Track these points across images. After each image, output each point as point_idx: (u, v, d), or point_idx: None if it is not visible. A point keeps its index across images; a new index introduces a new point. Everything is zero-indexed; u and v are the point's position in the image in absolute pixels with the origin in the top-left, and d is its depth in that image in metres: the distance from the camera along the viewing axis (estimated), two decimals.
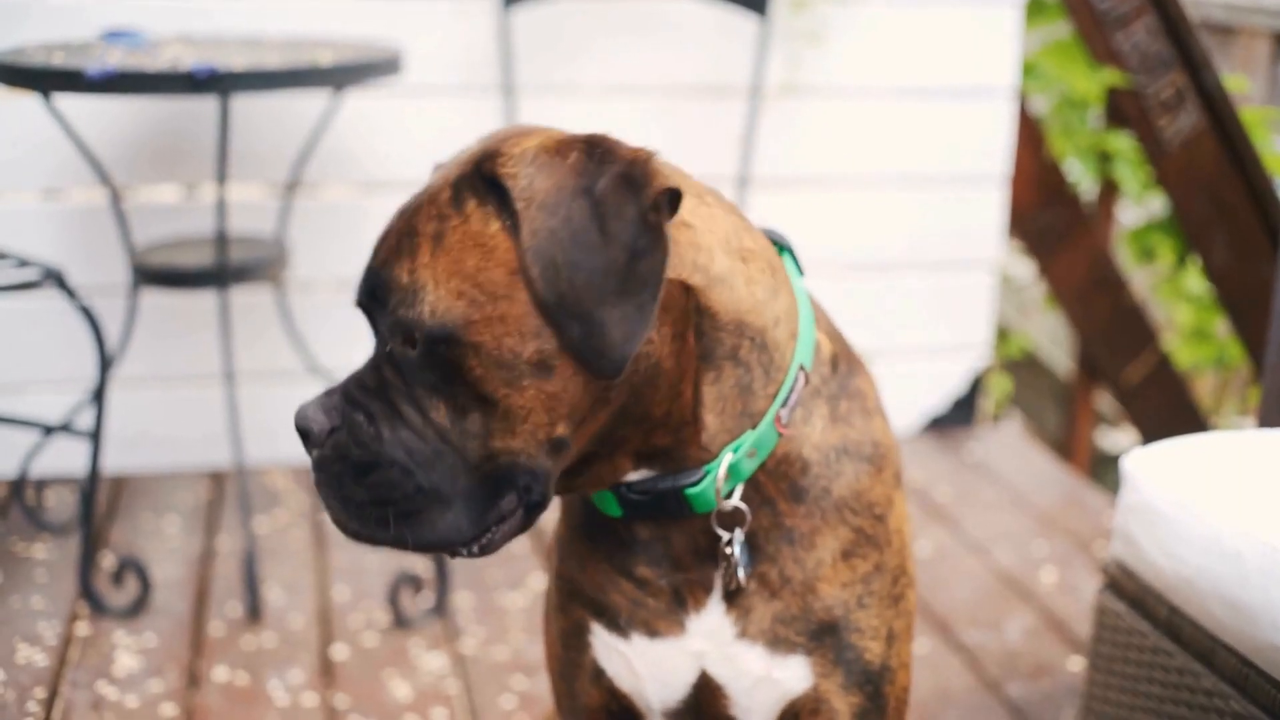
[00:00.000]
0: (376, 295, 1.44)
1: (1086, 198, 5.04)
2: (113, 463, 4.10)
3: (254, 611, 3.31)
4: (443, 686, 3.05)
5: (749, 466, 1.54)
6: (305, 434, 1.47)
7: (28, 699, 2.94)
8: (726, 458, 1.52)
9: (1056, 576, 3.67)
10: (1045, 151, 4.70)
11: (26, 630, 3.23)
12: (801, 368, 1.55)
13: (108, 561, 3.56)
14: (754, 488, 1.57)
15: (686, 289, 1.46)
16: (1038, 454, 4.60)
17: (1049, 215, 4.75)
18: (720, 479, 1.52)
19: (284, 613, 3.36)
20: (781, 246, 1.67)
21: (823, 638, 1.60)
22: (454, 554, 1.50)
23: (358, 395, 1.46)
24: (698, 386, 1.49)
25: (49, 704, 2.93)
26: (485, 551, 1.50)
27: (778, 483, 1.57)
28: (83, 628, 3.26)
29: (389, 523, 1.44)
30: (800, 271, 1.67)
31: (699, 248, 1.47)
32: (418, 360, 1.41)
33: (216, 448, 4.20)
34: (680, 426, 1.51)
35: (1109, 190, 4.90)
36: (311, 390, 4.12)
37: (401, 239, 1.44)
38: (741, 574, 1.56)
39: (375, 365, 1.47)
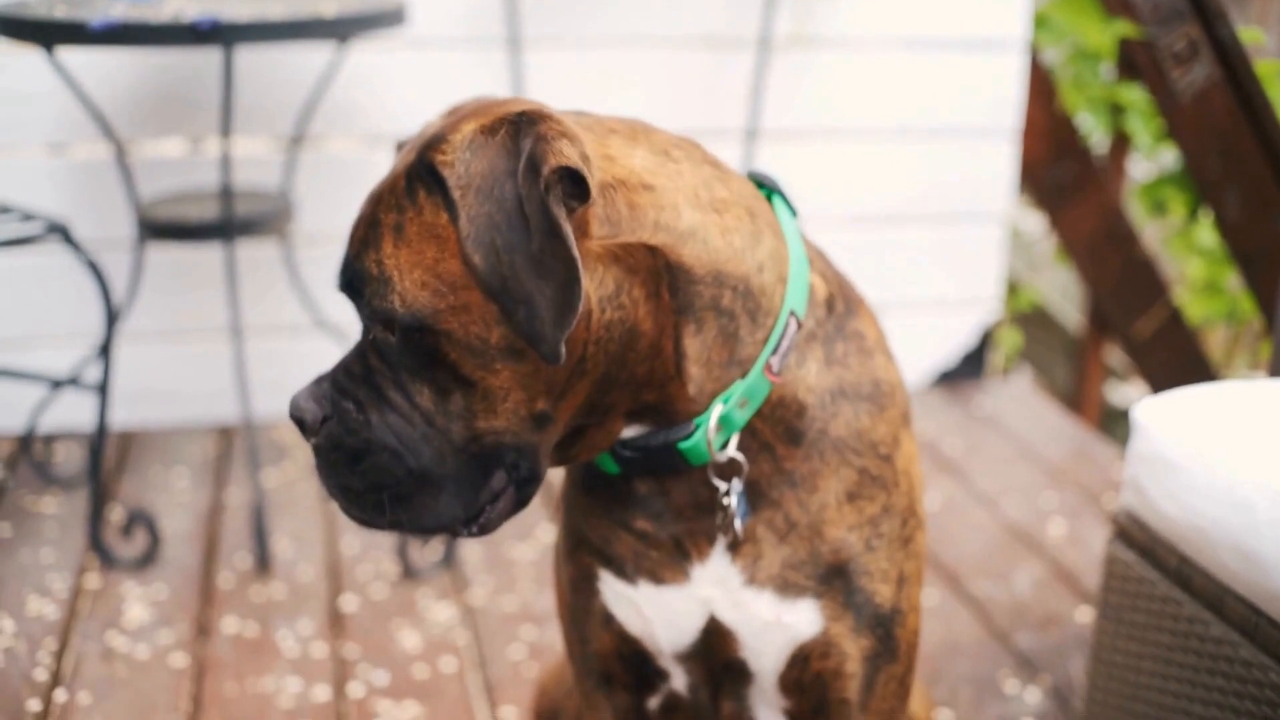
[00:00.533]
0: (353, 285, 1.44)
1: (1098, 151, 5.00)
2: (121, 418, 4.10)
3: (263, 563, 3.31)
4: (452, 637, 3.05)
5: (741, 416, 1.52)
6: (300, 423, 1.49)
7: (39, 650, 2.95)
8: (716, 409, 1.51)
9: (1065, 528, 3.67)
10: (1057, 104, 4.67)
11: (37, 583, 3.23)
12: (793, 313, 1.54)
13: (117, 515, 3.56)
14: (750, 434, 1.56)
15: (651, 250, 1.44)
16: (1047, 407, 4.59)
17: (1060, 168, 4.71)
18: (711, 430, 1.51)
19: (293, 564, 3.36)
20: (770, 190, 1.65)
21: (832, 581, 1.59)
22: (455, 534, 1.51)
23: (346, 383, 1.47)
24: (679, 340, 1.48)
25: (60, 655, 2.94)
26: (484, 531, 1.51)
27: (774, 427, 1.56)
28: (92, 580, 3.26)
29: (385, 507, 1.46)
30: (793, 213, 1.65)
31: (661, 207, 1.45)
32: (398, 346, 1.41)
33: (224, 402, 4.20)
34: (665, 382, 1.50)
35: (1120, 143, 4.86)
36: (318, 345, 4.12)
37: (369, 229, 1.43)
38: (739, 524, 1.55)
39: (361, 352, 1.48)
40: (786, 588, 1.59)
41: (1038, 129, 4.68)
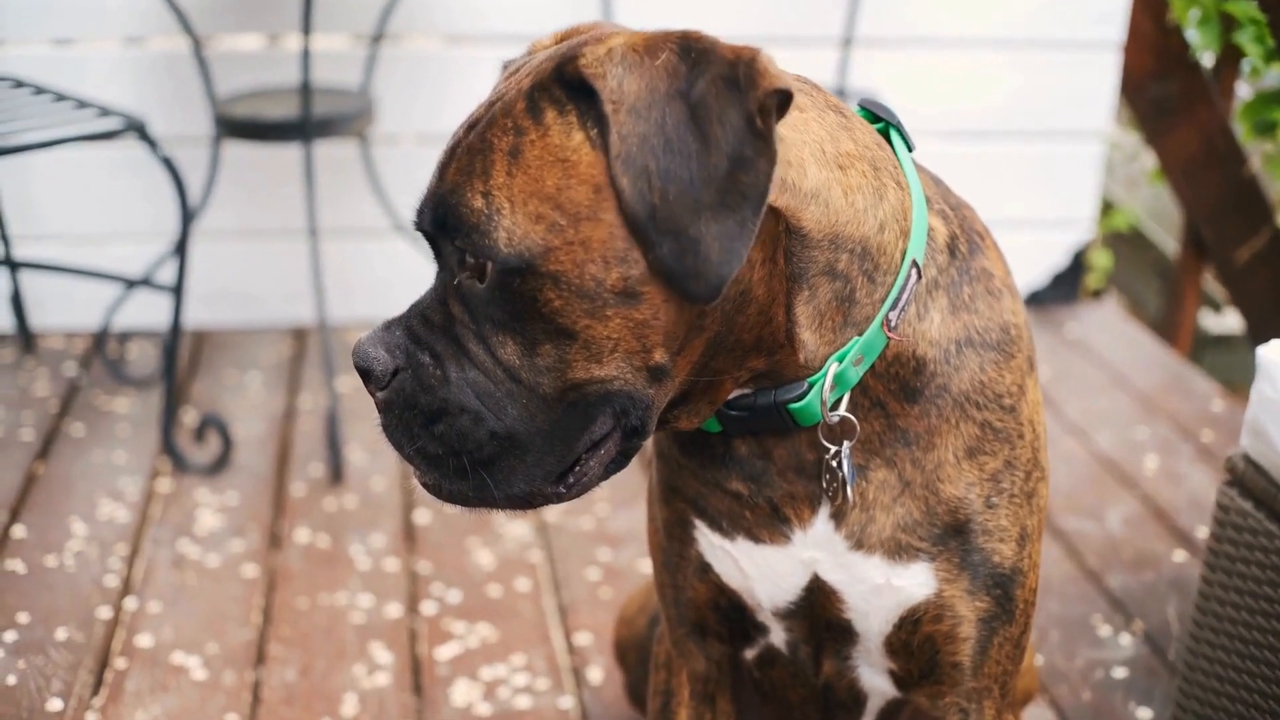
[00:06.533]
0: (445, 222, 1.29)
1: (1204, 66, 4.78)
2: (194, 317, 4.05)
3: (336, 472, 3.26)
4: (526, 555, 2.99)
5: (855, 374, 1.40)
6: (366, 373, 1.35)
7: (110, 555, 2.92)
8: (832, 368, 1.38)
9: (1159, 463, 3.54)
10: (1165, 15, 4.45)
11: (109, 485, 3.20)
12: (914, 262, 1.41)
13: (189, 417, 3.52)
14: (861, 390, 1.44)
15: (774, 212, 1.31)
16: (1139, 333, 4.44)
17: (1165, 84, 4.51)
18: (827, 391, 1.39)
19: (366, 475, 3.30)
20: (886, 124, 1.52)
21: (947, 541, 1.49)
22: (545, 500, 1.37)
23: (422, 331, 1.33)
24: (790, 308, 1.35)
25: (130, 561, 2.90)
26: (577, 490, 1.38)
27: (888, 384, 1.44)
28: (164, 484, 3.22)
29: (467, 472, 1.33)
30: (910, 147, 1.52)
31: (789, 163, 1.31)
32: (485, 294, 1.27)
33: (299, 304, 4.14)
34: (774, 349, 1.38)
35: (1230, 60, 4.64)
36: (395, 247, 4.04)
37: (474, 156, 1.28)
38: (849, 490, 1.44)
39: (441, 298, 1.34)
40: (899, 551, 1.48)
41: (1143, 41, 4.47)
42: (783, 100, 1.22)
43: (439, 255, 1.34)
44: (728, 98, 1.20)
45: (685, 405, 1.40)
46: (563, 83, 1.25)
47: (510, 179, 1.25)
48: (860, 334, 1.39)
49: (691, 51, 1.23)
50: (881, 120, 1.52)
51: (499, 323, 1.28)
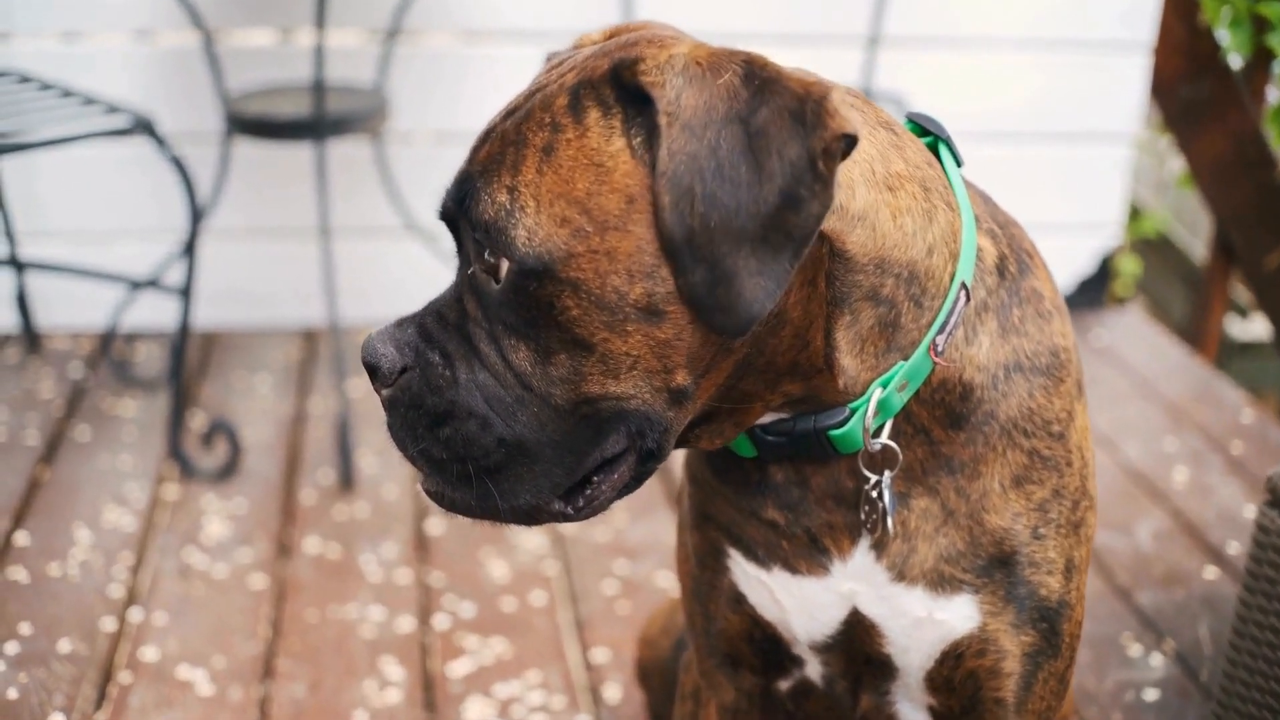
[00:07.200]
0: (466, 206, 1.23)
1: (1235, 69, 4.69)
2: (203, 318, 3.97)
3: (346, 479, 3.19)
4: (541, 567, 2.91)
5: (899, 400, 1.33)
6: (373, 370, 1.29)
7: (114, 563, 2.85)
8: (875, 394, 1.31)
9: (1188, 475, 3.45)
10: (1197, 16, 4.36)
11: (114, 491, 3.13)
12: (963, 285, 1.33)
13: (197, 421, 3.45)
14: (905, 417, 1.36)
15: (819, 235, 1.23)
16: (1166, 341, 4.35)
17: (1195, 87, 4.42)
18: (869, 418, 1.31)
19: (378, 482, 3.23)
20: (935, 137, 1.44)
21: (992, 572, 1.41)
22: (554, 518, 1.31)
23: (435, 330, 1.28)
24: (830, 333, 1.28)
25: (136, 570, 2.83)
26: (589, 510, 1.31)
27: (932, 410, 1.36)
28: (171, 490, 3.15)
29: (470, 479, 1.27)
30: (959, 162, 1.44)
31: (838, 184, 1.22)
32: (500, 294, 1.21)
33: (310, 305, 4.07)
34: (811, 374, 1.30)
35: (1262, 62, 4.55)
36: (408, 248, 3.97)
37: (507, 146, 1.23)
38: (890, 522, 1.37)
39: (457, 294, 1.28)
40: (941, 583, 1.41)
41: (1174, 42, 4.38)
42: (848, 145, 1.15)
43: (460, 245, 1.28)
44: (792, 132, 1.13)
45: (709, 425, 1.33)
46: (616, 84, 1.19)
47: (540, 176, 1.19)
48: (905, 359, 1.31)
49: (756, 78, 1.16)
50: (930, 134, 1.44)
51: (512, 326, 1.22)
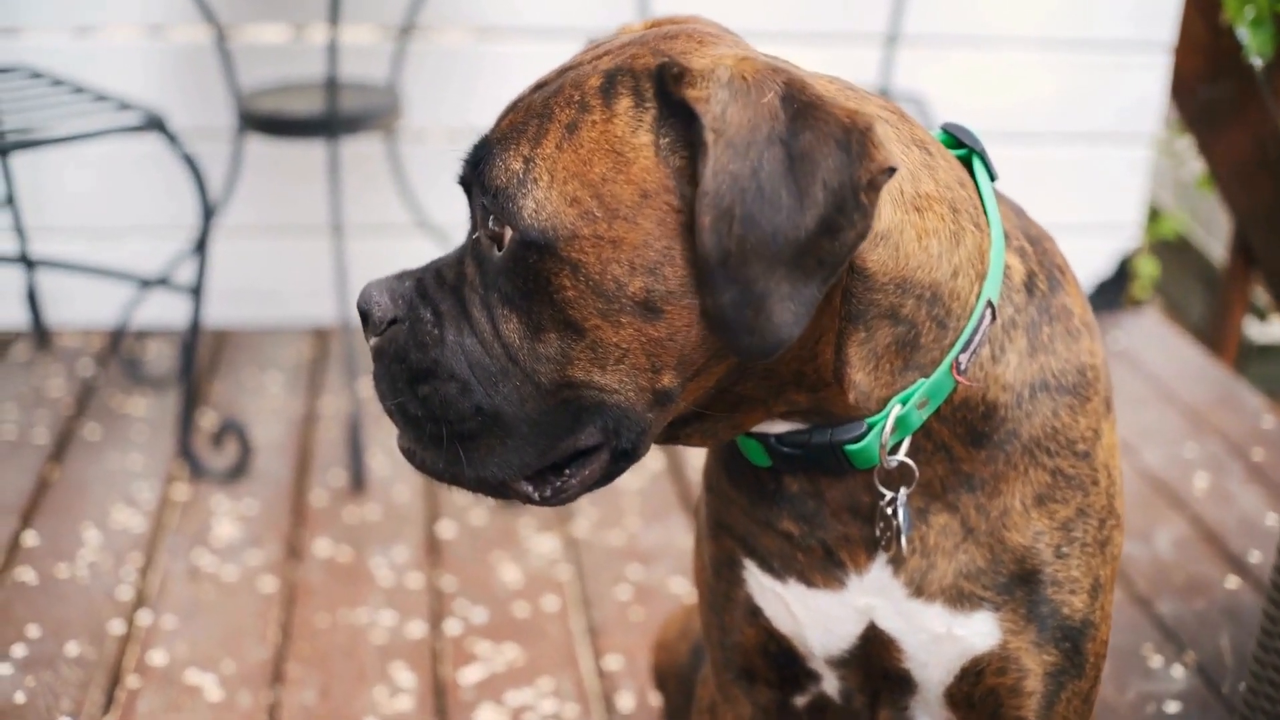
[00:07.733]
0: (480, 170, 1.22)
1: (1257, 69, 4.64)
2: (214, 315, 3.95)
3: (358, 481, 3.16)
4: (554, 572, 2.88)
5: (919, 418, 1.30)
6: (365, 316, 1.30)
7: (123, 565, 2.82)
8: (894, 410, 1.28)
9: (1209, 482, 3.41)
10: (1218, 16, 4.31)
11: (124, 491, 3.10)
12: (989, 303, 1.30)
13: (208, 421, 3.42)
14: (924, 434, 1.34)
15: None
16: (1185, 344, 4.30)
17: (1216, 87, 4.37)
18: (887, 434, 1.28)
19: (389, 484, 3.20)
20: (970, 151, 1.41)
21: (1014, 590, 1.38)
22: (520, 498, 1.30)
23: (432, 287, 1.28)
24: (841, 347, 1.25)
25: (145, 572, 2.80)
26: (557, 499, 1.30)
27: (954, 428, 1.34)
28: (181, 491, 3.13)
29: (443, 441, 1.26)
30: (993, 176, 1.40)
31: None
32: (500, 263, 1.21)
33: (321, 303, 4.04)
34: (819, 386, 1.27)
35: None
36: (421, 246, 3.93)
37: (530, 117, 1.22)
38: (903, 541, 1.34)
39: (460, 258, 1.28)
40: (960, 600, 1.38)
41: (1195, 42, 4.34)
42: (888, 175, 1.13)
43: (471, 210, 1.28)
44: (837, 161, 1.12)
45: (700, 424, 1.31)
46: (659, 84, 1.17)
47: (559, 152, 1.18)
48: (925, 376, 1.28)
49: (795, 100, 1.14)
50: (965, 146, 1.41)
51: (508, 296, 1.22)
